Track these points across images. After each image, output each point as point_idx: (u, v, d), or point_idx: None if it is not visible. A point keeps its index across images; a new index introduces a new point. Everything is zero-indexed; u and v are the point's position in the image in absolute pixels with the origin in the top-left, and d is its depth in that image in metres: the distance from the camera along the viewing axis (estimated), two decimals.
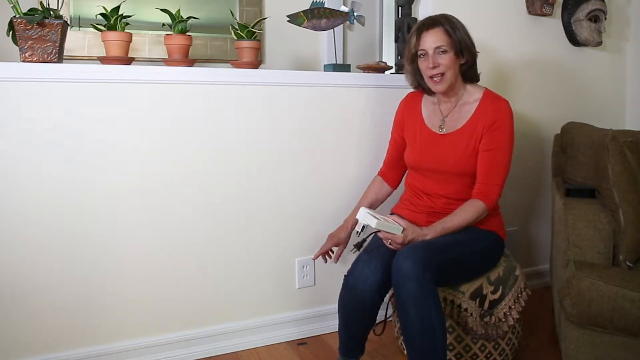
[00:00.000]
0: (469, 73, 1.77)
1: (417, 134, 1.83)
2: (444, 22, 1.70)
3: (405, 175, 1.95)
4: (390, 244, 1.63)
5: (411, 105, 1.89)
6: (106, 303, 1.79)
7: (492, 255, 1.78)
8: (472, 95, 1.78)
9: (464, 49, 1.71)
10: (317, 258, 1.92)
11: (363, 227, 1.64)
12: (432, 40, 1.69)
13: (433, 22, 1.71)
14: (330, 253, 1.91)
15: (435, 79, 1.71)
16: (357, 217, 1.66)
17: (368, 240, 1.71)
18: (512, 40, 2.47)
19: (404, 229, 1.60)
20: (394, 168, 1.95)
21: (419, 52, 1.73)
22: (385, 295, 1.65)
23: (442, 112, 1.81)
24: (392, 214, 1.80)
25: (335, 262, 1.90)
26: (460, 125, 1.75)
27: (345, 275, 1.68)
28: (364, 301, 1.62)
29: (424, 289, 1.49)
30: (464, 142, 1.73)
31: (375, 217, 1.59)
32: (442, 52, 1.68)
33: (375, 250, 1.67)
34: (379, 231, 1.61)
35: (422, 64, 1.73)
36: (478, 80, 1.82)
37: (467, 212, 1.69)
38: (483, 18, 2.38)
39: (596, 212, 1.70)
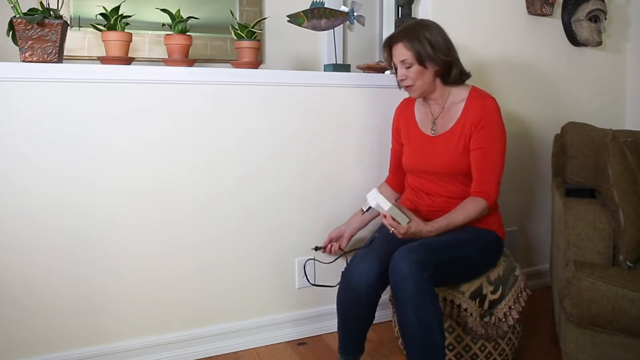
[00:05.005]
0: (447, 77, 1.77)
1: (411, 138, 1.87)
2: (403, 38, 1.73)
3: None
4: (392, 231, 1.64)
5: (405, 111, 1.93)
6: (106, 303, 1.79)
7: (491, 254, 1.78)
8: (459, 95, 1.80)
9: (425, 60, 1.72)
10: (325, 250, 1.99)
11: (369, 207, 1.67)
12: (396, 54, 1.76)
13: (396, 37, 1.75)
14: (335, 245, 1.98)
15: (406, 87, 1.78)
16: (367, 195, 1.67)
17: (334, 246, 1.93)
18: (512, 40, 2.47)
19: (409, 220, 1.62)
20: (397, 174, 1.98)
21: (392, 64, 1.80)
22: (381, 292, 1.65)
23: (433, 114, 1.84)
24: None
25: (330, 253, 1.98)
26: (450, 126, 1.78)
27: (342, 272, 1.69)
28: (360, 295, 1.62)
29: (422, 289, 1.49)
30: (454, 142, 1.75)
31: (388, 201, 1.61)
32: (408, 66, 1.73)
33: (372, 246, 1.69)
34: (385, 216, 1.62)
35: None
36: (464, 81, 1.81)
37: (469, 209, 1.70)
38: (483, 18, 2.38)
39: (596, 212, 1.70)
